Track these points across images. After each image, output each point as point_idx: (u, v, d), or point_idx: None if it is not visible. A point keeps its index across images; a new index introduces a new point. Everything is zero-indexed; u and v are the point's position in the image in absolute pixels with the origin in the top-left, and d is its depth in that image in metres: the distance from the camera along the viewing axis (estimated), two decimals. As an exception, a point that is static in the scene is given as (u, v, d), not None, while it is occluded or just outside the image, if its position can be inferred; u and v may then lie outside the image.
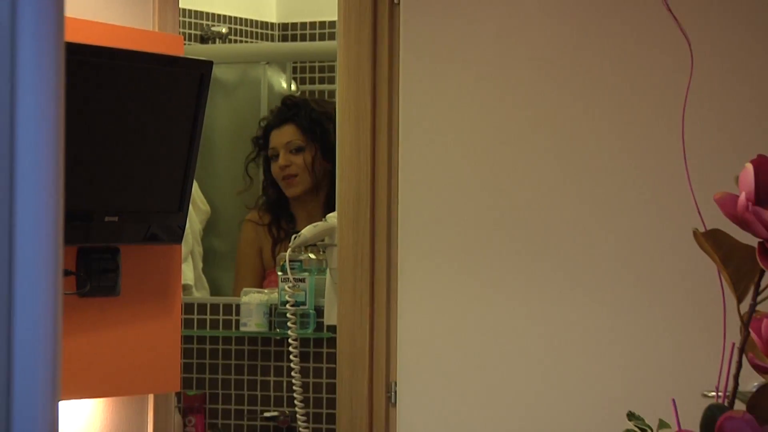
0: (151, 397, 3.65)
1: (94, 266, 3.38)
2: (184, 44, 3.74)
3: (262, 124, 5.53)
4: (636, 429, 2.81)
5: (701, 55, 3.06)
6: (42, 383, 1.25)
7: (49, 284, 1.24)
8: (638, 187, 4.24)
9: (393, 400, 4.41)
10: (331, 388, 4.79)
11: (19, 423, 1.23)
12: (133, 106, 3.43)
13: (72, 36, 3.28)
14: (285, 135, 5.35)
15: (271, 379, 5.22)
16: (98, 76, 3.32)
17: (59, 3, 1.30)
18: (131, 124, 3.44)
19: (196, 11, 5.58)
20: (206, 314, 5.32)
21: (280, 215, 5.44)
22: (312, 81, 5.72)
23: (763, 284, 2.66)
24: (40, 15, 1.28)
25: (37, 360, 1.25)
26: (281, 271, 5.14)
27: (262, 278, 5.40)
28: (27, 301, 1.24)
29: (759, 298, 2.63)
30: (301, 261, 5.15)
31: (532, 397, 4.30)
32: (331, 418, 4.79)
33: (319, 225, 5.14)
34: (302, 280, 5.12)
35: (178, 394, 4.57)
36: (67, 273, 3.28)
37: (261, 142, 5.46)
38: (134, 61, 3.42)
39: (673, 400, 2.75)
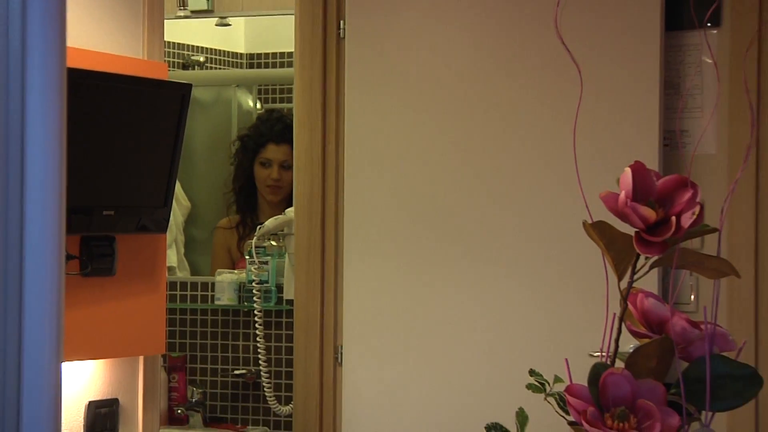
0: (141, 359, 3.64)
1: (94, 251, 3.38)
2: (169, 70, 3.72)
3: (254, 131, 5.52)
4: (536, 383, 2.81)
5: (588, 79, 3.07)
6: (48, 346, 1.24)
7: (54, 266, 1.24)
8: (541, 189, 4.26)
9: (339, 361, 4.41)
10: (289, 351, 4.79)
11: (28, 380, 1.23)
12: (126, 120, 3.43)
13: (75, 63, 3.27)
14: (282, 153, 5.33)
15: (240, 343, 5.21)
16: (97, 96, 3.31)
17: (62, 35, 1.29)
18: (125, 135, 3.43)
19: (178, 43, 5.56)
20: (187, 290, 5.32)
21: (248, 211, 5.43)
22: (273, 100, 5.71)
23: (638, 266, 2.67)
24: (46, 45, 1.27)
25: (43, 328, 1.24)
26: (248, 255, 5.14)
27: (233, 267, 5.40)
28: (35, 279, 1.24)
29: (635, 277, 2.65)
30: (264, 247, 5.15)
31: (454, 355, 4.31)
32: (289, 375, 4.78)
33: (279, 218, 5.14)
34: (266, 263, 5.12)
35: (163, 356, 4.55)
36: (71, 257, 3.29)
37: (251, 147, 5.46)
38: (127, 84, 3.42)
39: (566, 360, 2.75)
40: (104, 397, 3.53)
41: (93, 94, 3.27)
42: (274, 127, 5.41)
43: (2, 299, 1.23)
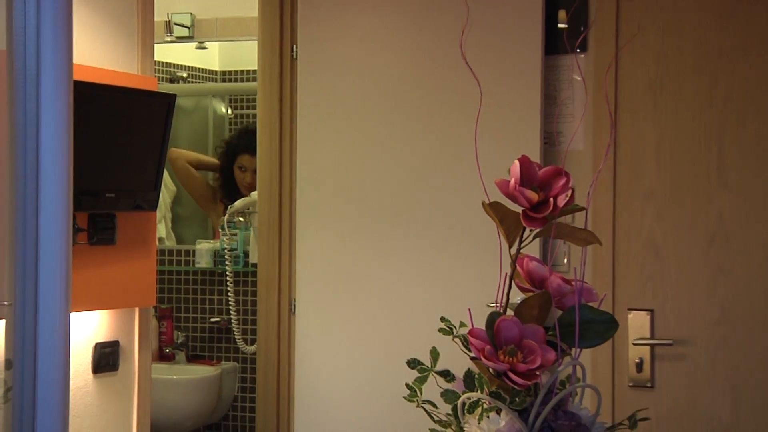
0: (137, 309, 3.61)
1: (99, 225, 3.37)
2: (158, 83, 3.69)
3: (238, 138, 5.51)
4: (446, 327, 2.80)
5: (486, 92, 3.07)
6: (58, 299, 1.22)
7: (63, 237, 1.22)
8: (452, 177, 4.26)
9: (293, 311, 4.40)
10: (254, 303, 4.77)
11: (42, 327, 1.20)
12: (123, 122, 3.43)
13: (83, 77, 3.23)
14: (254, 162, 5.30)
15: (215, 297, 5.19)
16: (100, 103, 3.31)
17: (69, 54, 1.26)
18: (123, 134, 3.43)
19: (165, 62, 5.53)
20: (173, 256, 5.29)
21: (232, 197, 5.41)
22: (242, 108, 5.68)
23: (524, 236, 2.67)
24: (56, 63, 1.25)
25: (55, 285, 1.22)
26: (221, 228, 5.12)
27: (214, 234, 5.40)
28: (48, 247, 1.22)
29: (522, 245, 2.65)
30: (234, 222, 5.13)
31: (384, 306, 4.31)
32: (254, 322, 4.77)
33: (246, 199, 5.13)
34: (235, 234, 5.10)
35: (154, 307, 4.53)
36: (81, 230, 3.28)
37: (230, 153, 5.44)
38: (124, 94, 3.42)
39: (469, 309, 2.75)
40: (107, 340, 3.50)
41: (97, 101, 3.26)
42: (249, 141, 5.39)
43: (21, 264, 1.21)
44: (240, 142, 5.46)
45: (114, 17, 3.50)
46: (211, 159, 5.61)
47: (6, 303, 1.28)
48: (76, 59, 3.27)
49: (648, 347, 4.17)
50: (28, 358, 1.24)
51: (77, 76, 3.18)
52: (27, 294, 1.24)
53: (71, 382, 3.40)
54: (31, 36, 1.24)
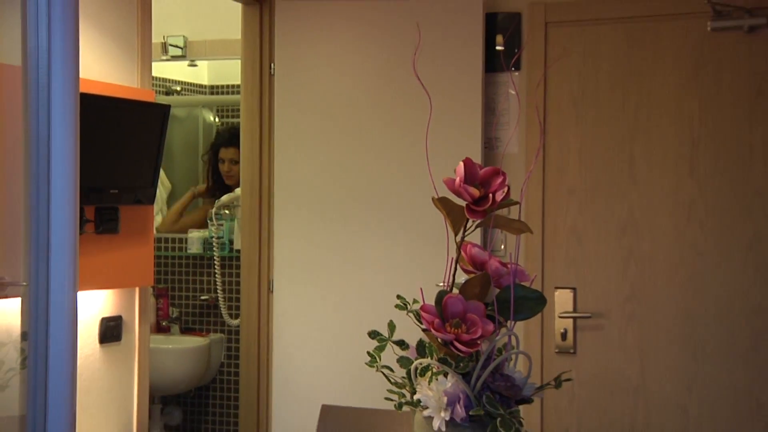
0: (137, 289, 3.60)
1: (104, 217, 3.34)
2: (155, 95, 3.66)
3: (217, 138, 5.48)
4: (401, 303, 2.80)
5: (436, 104, 3.06)
6: (67, 280, 1.21)
7: (70, 226, 1.20)
8: (408, 175, 4.26)
9: (271, 289, 4.38)
10: (238, 283, 4.74)
11: (53, 304, 1.19)
12: (125, 129, 3.41)
13: (90, 90, 3.20)
14: (230, 153, 5.28)
15: (205, 278, 5.15)
16: (104, 113, 3.30)
17: (76, 70, 1.25)
18: (124, 138, 3.41)
19: (162, 77, 5.48)
20: (168, 243, 5.25)
21: (218, 191, 5.37)
22: (227, 116, 5.64)
23: (468, 226, 2.66)
24: (65, 77, 1.23)
25: (64, 268, 1.21)
26: (210, 219, 5.09)
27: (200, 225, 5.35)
28: (58, 235, 1.20)
29: (465, 234, 2.64)
30: (221, 214, 5.10)
31: (351, 286, 4.29)
32: (238, 299, 4.75)
33: (230, 195, 5.10)
34: (222, 224, 5.07)
35: (152, 287, 4.50)
36: (89, 221, 3.26)
37: (211, 151, 5.41)
38: (126, 104, 3.41)
39: (421, 289, 2.74)
40: (112, 315, 3.48)
41: (103, 111, 3.24)
42: (223, 136, 5.38)
43: (35, 251, 1.19)
44: (218, 140, 5.44)
45: (117, 38, 3.47)
46: (186, 195, 5.55)
47: (23, 283, 1.27)
48: (85, 75, 3.26)
49: (571, 320, 4.19)
50: (41, 331, 1.23)
51: (87, 89, 3.19)
52: (40, 276, 1.23)
53: (81, 351, 3.38)
54: (42, 54, 1.23)
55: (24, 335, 1.28)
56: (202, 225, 5.30)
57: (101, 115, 3.23)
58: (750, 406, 3.98)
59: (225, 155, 5.32)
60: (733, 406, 3.99)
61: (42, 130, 1.22)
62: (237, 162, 5.21)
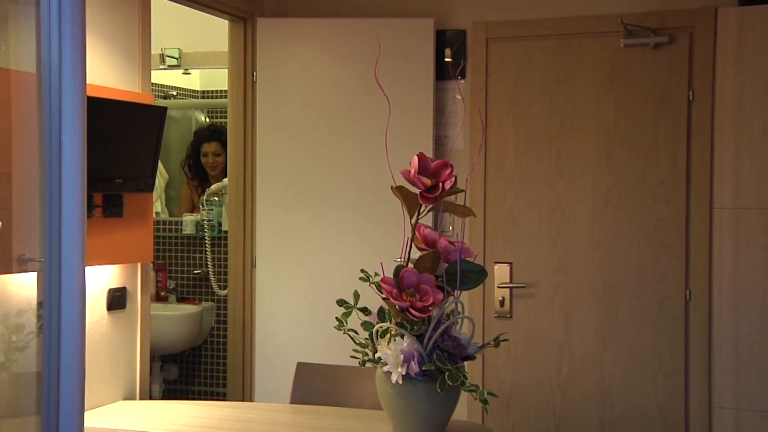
0: (139, 264, 3.56)
1: (111, 203, 3.31)
2: (154, 99, 3.62)
3: (197, 135, 5.41)
4: (365, 275, 2.79)
5: (394, 107, 3.05)
6: (76, 257, 1.19)
7: (78, 211, 1.18)
8: (372, 167, 4.24)
9: (254, 264, 4.35)
10: (225, 259, 4.72)
11: (64, 277, 1.17)
12: (128, 127, 3.38)
13: (97, 93, 3.16)
14: (213, 147, 5.23)
15: (197, 255, 5.12)
16: (109, 114, 3.26)
17: (83, 77, 1.23)
18: (128, 136, 3.38)
19: (160, 84, 5.43)
20: (166, 225, 5.20)
21: (199, 179, 5.32)
22: (216, 117, 5.59)
23: (421, 211, 2.66)
24: (73, 83, 1.21)
25: (73, 246, 1.19)
26: (202, 205, 5.06)
27: (192, 209, 5.29)
28: (68, 219, 1.18)
29: (419, 217, 2.64)
30: (211, 200, 5.06)
31: (323, 261, 4.29)
32: (225, 273, 4.72)
33: (219, 184, 5.05)
34: (212, 209, 5.03)
35: (152, 262, 4.45)
36: (97, 206, 3.22)
37: (195, 146, 5.34)
38: (128, 106, 3.37)
39: (381, 263, 2.73)
40: (118, 286, 3.45)
41: (109, 112, 3.20)
42: (205, 133, 5.32)
43: (48, 232, 1.18)
44: (200, 136, 5.37)
45: (121, 50, 3.43)
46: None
47: (39, 260, 1.25)
48: (94, 81, 3.23)
49: (508, 289, 4.20)
50: (54, 300, 1.21)
51: (95, 93, 3.16)
52: (53, 253, 1.21)
53: (91, 317, 3.35)
54: (54, 62, 1.21)
55: (40, 304, 1.26)
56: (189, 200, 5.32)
57: (108, 116, 3.19)
58: (654, 359, 4.02)
59: (208, 149, 5.27)
60: (640, 358, 4.03)
61: (54, 128, 1.20)
62: (219, 154, 5.19)
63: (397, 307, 2.68)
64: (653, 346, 4.02)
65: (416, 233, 2.81)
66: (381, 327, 2.81)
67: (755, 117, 3.48)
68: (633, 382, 4.04)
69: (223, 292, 4.94)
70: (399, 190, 2.78)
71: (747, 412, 3.49)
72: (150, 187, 3.44)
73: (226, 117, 4.60)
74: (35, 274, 1.29)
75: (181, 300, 5.12)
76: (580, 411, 4.11)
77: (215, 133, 5.25)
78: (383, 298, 2.76)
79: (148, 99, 3.49)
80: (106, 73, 3.34)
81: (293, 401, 3.47)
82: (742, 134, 3.49)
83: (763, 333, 3.47)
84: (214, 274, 5.03)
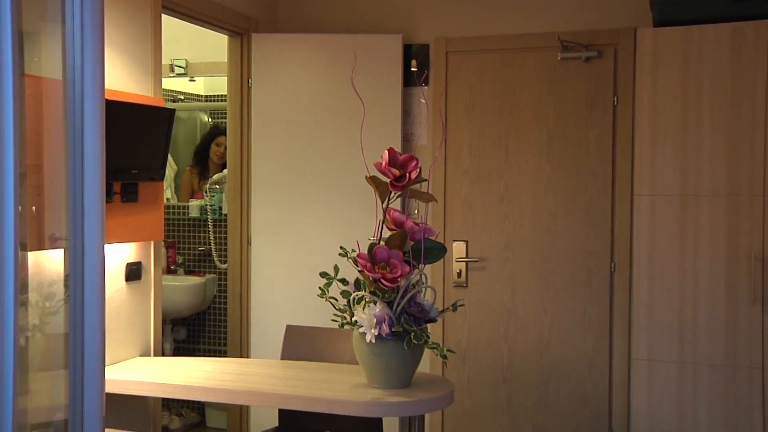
0: (152, 242, 3.54)
1: (128, 190, 3.27)
2: (164, 102, 3.59)
3: (210, 131, 5.34)
4: (343, 252, 2.79)
5: (368, 110, 3.04)
6: (96, 236, 1.18)
7: (98, 198, 1.17)
8: (351, 159, 4.22)
9: (249, 243, 4.33)
10: (225, 238, 4.69)
11: (86, 254, 1.16)
12: (142, 126, 3.33)
13: (116, 98, 3.12)
14: (225, 141, 5.19)
15: (201, 234, 5.08)
16: (127, 114, 3.21)
17: (102, 83, 1.21)
18: (142, 133, 3.34)
19: (169, 89, 5.37)
20: (175, 209, 5.16)
21: (202, 169, 5.26)
22: (217, 118, 5.53)
23: (391, 197, 2.66)
24: (94, 89, 1.20)
25: (94, 227, 1.18)
26: (205, 192, 5.01)
27: (192, 196, 5.22)
28: (90, 204, 1.17)
29: (389, 203, 2.63)
30: (213, 188, 5.02)
31: (310, 240, 4.27)
32: (226, 250, 4.69)
33: (219, 174, 5.00)
34: (214, 195, 5.00)
35: (163, 240, 4.41)
36: (116, 193, 3.19)
37: (206, 140, 5.28)
38: (142, 108, 3.32)
39: (357, 242, 2.73)
40: (134, 260, 3.42)
41: (126, 113, 3.16)
42: (220, 129, 5.25)
43: (73, 215, 1.17)
44: (215, 131, 5.31)
45: (136, 61, 3.39)
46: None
47: (66, 239, 1.24)
48: (114, 87, 3.19)
49: (464, 263, 4.22)
50: (78, 273, 1.20)
51: (114, 97, 3.13)
52: (77, 233, 1.20)
53: (111, 287, 3.33)
54: (77, 71, 1.19)
55: (66, 278, 1.25)
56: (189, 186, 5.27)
57: (125, 116, 3.16)
58: (584, 320, 4.05)
59: (222, 141, 5.22)
60: (573, 320, 4.06)
61: (77, 126, 1.19)
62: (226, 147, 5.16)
63: (370, 278, 2.69)
64: (584, 309, 4.05)
65: (387, 216, 2.82)
66: (357, 295, 2.82)
67: (668, 119, 3.50)
68: (567, 339, 4.08)
69: (224, 266, 4.92)
70: (372, 180, 2.78)
71: (658, 363, 3.53)
72: (161, 177, 3.41)
73: (225, 118, 4.57)
74: (62, 250, 1.28)
75: (188, 272, 5.09)
76: (523, 364, 4.14)
77: (224, 131, 5.22)
78: (359, 271, 2.76)
79: (159, 102, 3.46)
80: (123, 80, 3.31)
81: (283, 357, 3.47)
82: (657, 133, 3.52)
83: (672, 298, 3.51)
84: (215, 251, 5.00)
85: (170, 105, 5.01)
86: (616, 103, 3.98)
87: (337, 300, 2.83)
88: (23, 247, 1.20)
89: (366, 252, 2.69)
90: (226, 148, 5.16)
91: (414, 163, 2.71)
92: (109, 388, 3.01)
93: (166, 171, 3.52)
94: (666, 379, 3.50)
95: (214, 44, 4.77)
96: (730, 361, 3.41)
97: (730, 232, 3.42)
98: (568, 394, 4.06)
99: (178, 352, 5.08)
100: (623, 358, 3.96)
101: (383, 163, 2.70)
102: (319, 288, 2.81)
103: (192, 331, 5.19)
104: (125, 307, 3.39)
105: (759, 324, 3.38)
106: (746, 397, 3.40)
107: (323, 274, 2.85)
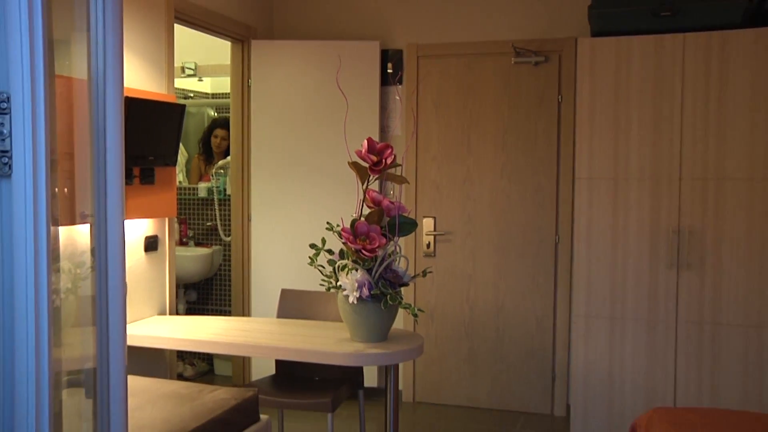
0: (166, 218, 3.51)
1: (145, 174, 3.24)
2: (176, 98, 3.55)
3: (209, 124, 5.29)
4: (329, 226, 2.79)
5: (351, 105, 3.03)
6: (117, 213, 1.18)
7: (118, 180, 1.16)
8: (336, 147, 4.19)
9: (249, 219, 4.31)
10: (229, 215, 4.65)
11: (109, 228, 1.16)
12: (158, 119, 3.30)
13: (135, 95, 3.09)
14: (222, 132, 5.12)
15: (209, 211, 5.05)
16: (144, 109, 3.17)
17: (121, 82, 1.20)
18: (158, 125, 3.30)
19: (181, 88, 5.30)
20: (186, 190, 5.12)
21: (207, 156, 5.22)
22: (222, 112, 5.48)
23: (370, 180, 2.65)
24: (114, 87, 1.19)
25: (115, 204, 1.17)
26: (212, 175, 4.97)
27: (200, 179, 5.18)
28: (111, 186, 1.16)
29: (368, 185, 2.63)
30: (219, 172, 4.98)
31: (300, 216, 4.26)
32: (229, 225, 4.66)
33: (224, 160, 4.96)
34: (219, 179, 4.96)
35: (176, 217, 4.38)
36: (136, 176, 3.16)
37: (207, 132, 5.24)
38: (158, 104, 3.28)
39: (342, 218, 2.73)
40: (152, 234, 3.41)
41: (144, 108, 3.13)
42: (219, 122, 5.19)
43: (98, 194, 1.16)
44: (213, 125, 5.26)
45: (153, 63, 3.35)
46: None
47: (91, 215, 1.23)
48: (134, 86, 3.15)
49: (433, 236, 4.23)
50: (102, 245, 1.20)
51: (135, 95, 3.09)
52: (101, 211, 1.19)
53: (132, 257, 3.31)
54: (100, 72, 1.18)
55: (93, 250, 1.24)
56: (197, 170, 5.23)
57: (143, 111, 3.13)
58: (533, 284, 4.09)
59: (219, 133, 5.18)
60: (524, 284, 4.10)
61: (100, 119, 1.18)
62: (225, 139, 5.11)
63: (352, 248, 2.70)
64: (533, 275, 4.09)
65: (366, 196, 2.82)
66: (341, 263, 2.83)
67: (603, 114, 3.53)
68: (518, 300, 4.12)
69: (228, 239, 4.90)
70: (354, 165, 2.78)
71: (593, 318, 3.58)
72: (174, 163, 3.39)
73: (229, 112, 4.53)
74: (89, 225, 1.27)
75: (197, 244, 5.07)
76: (482, 321, 4.19)
77: (226, 123, 5.16)
78: (343, 243, 2.77)
79: (172, 99, 3.43)
80: (141, 80, 3.27)
81: (279, 316, 3.47)
82: (594, 126, 3.54)
83: (605, 265, 3.55)
84: (221, 226, 4.98)
85: (181, 101, 4.96)
86: (560, 100, 4.00)
87: (324, 267, 2.84)
88: (55, 222, 1.19)
89: (349, 226, 2.69)
90: (222, 139, 5.14)
91: (389, 151, 2.72)
92: (131, 342, 3.01)
93: (178, 158, 3.50)
94: (599, 332, 3.56)
95: (219, 49, 4.72)
96: (651, 316, 3.47)
97: (653, 210, 3.46)
98: (519, 345, 4.11)
99: (189, 311, 5.07)
100: (565, 315, 4.01)
101: (363, 151, 2.70)
102: (309, 257, 2.81)
103: (201, 294, 5.18)
104: (144, 273, 3.38)
105: (674, 285, 3.43)
106: (663, 345, 3.46)
107: (312, 246, 2.85)
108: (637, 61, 3.45)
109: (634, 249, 3.49)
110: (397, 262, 2.80)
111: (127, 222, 3.16)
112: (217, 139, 5.21)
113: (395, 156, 2.73)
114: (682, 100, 3.39)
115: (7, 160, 1.07)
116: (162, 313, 3.51)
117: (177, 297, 4.24)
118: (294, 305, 3.49)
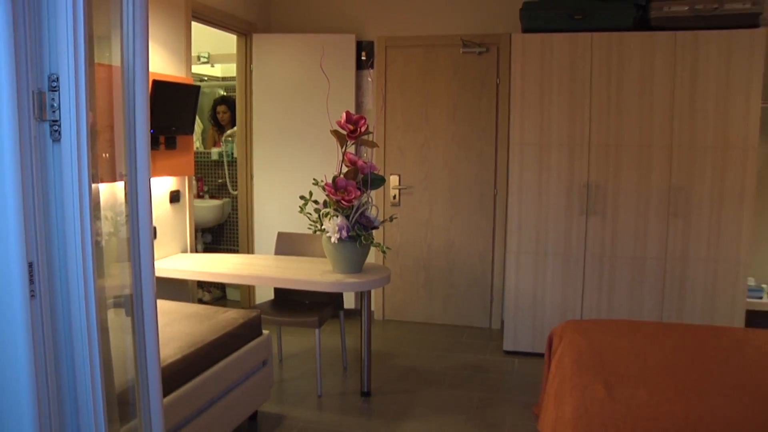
0: (186, 177, 3.49)
1: (169, 141, 3.22)
2: (193, 81, 3.48)
3: (212, 104, 5.18)
4: (315, 182, 2.80)
5: (333, 86, 3.00)
6: (144, 172, 1.18)
7: (144, 147, 1.16)
8: (319, 120, 4.15)
9: (252, 177, 4.26)
10: (236, 174, 4.60)
11: (139, 185, 1.17)
12: (179, 97, 3.25)
13: (159, 78, 3.02)
14: (222, 108, 5.02)
15: (220, 171, 4.98)
16: (167, 90, 3.11)
17: (147, 69, 1.20)
18: (179, 102, 3.24)
19: (198, 72, 5.16)
20: (202, 154, 5.04)
21: (219, 127, 5.12)
22: (230, 92, 5.37)
23: (348, 144, 2.66)
24: (142, 73, 1.18)
25: (143, 166, 1.18)
26: (222, 142, 4.90)
27: (213, 145, 5.10)
28: (139, 152, 1.17)
29: (347, 148, 2.64)
30: (227, 140, 4.91)
31: (291, 175, 4.23)
32: (236, 181, 4.61)
33: (231, 130, 4.87)
34: (228, 145, 4.89)
35: (195, 175, 4.33)
36: (161, 143, 3.12)
37: (213, 109, 5.12)
38: (179, 86, 3.22)
39: (325, 175, 2.74)
40: (175, 189, 3.38)
41: (167, 89, 3.07)
42: (218, 101, 5.07)
43: (129, 159, 1.17)
44: (216, 101, 5.15)
45: (174, 52, 3.27)
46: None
47: (125, 175, 1.24)
48: (159, 71, 3.09)
49: (398, 189, 4.25)
50: (134, 198, 1.21)
51: (161, 78, 3.02)
52: (131, 170, 1.20)
53: (159, 208, 3.30)
54: (130, 60, 1.17)
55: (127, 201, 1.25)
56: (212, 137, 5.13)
57: (167, 91, 3.07)
58: (476, 227, 4.15)
59: (220, 109, 5.08)
60: (469, 227, 4.16)
61: (130, 98, 1.18)
62: (225, 112, 5.01)
63: (334, 199, 2.72)
64: (477, 220, 4.15)
65: (345, 157, 2.83)
66: (325, 211, 2.86)
67: (531, 94, 3.55)
68: (465, 240, 4.19)
69: (235, 193, 4.87)
70: (334, 133, 2.78)
71: (523, 254, 3.67)
72: (191, 132, 3.34)
73: (235, 92, 4.45)
74: (122, 183, 1.28)
75: (211, 197, 5.03)
76: (437, 257, 4.26)
77: (224, 100, 5.07)
78: (326, 195, 2.79)
79: (190, 81, 3.36)
80: (165, 65, 3.20)
81: (276, 254, 3.50)
82: (524, 104, 3.57)
83: (532, 212, 3.62)
84: (230, 182, 4.94)
85: (197, 83, 4.85)
86: (498, 83, 4.00)
87: (311, 214, 2.86)
88: (96, 179, 1.20)
89: (331, 182, 2.71)
90: (223, 113, 5.05)
91: (363, 121, 2.71)
92: (161, 274, 3.03)
93: (195, 128, 3.45)
94: (527, 263, 3.65)
95: (228, 41, 4.61)
96: (566, 251, 3.56)
97: (569, 169, 3.52)
98: (465, 276, 4.21)
99: (206, 250, 5.06)
100: (501, 252, 4.10)
101: (342, 121, 2.70)
102: (299, 207, 2.83)
103: (215, 236, 5.17)
104: (170, 220, 3.37)
105: (584, 228, 3.53)
106: (574, 273, 3.57)
107: (302, 197, 2.87)
108: (557, 54, 3.46)
109: (554, 200, 3.56)
110: (369, 210, 2.83)
111: (154, 179, 3.14)
112: (220, 114, 5.14)
113: (368, 125, 2.74)
114: (591, 84, 3.43)
115: (57, 128, 1.07)
116: (184, 251, 3.52)
117: (196, 239, 4.22)
118: (288, 245, 3.52)
